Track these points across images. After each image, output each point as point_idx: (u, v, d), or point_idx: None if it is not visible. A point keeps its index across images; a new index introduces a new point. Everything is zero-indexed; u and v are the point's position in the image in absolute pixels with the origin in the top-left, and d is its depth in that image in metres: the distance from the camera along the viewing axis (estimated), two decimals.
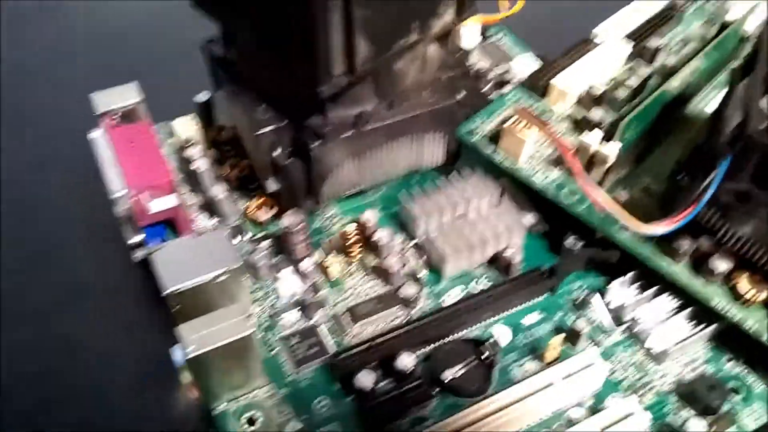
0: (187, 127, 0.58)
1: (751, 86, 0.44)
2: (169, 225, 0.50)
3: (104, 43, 0.75)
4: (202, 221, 0.53)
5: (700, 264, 0.46)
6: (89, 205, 0.59)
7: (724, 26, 0.60)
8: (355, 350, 0.43)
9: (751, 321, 0.44)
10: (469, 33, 0.63)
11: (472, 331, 0.46)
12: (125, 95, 0.53)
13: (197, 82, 0.58)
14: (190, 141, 0.57)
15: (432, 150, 0.54)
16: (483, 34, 0.66)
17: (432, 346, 0.45)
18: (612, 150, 0.48)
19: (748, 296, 0.44)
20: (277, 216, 0.52)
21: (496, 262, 0.50)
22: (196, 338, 0.39)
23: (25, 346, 0.53)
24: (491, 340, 0.44)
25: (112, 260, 0.57)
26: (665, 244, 0.46)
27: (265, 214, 0.52)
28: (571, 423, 0.42)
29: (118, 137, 0.51)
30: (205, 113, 0.58)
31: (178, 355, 0.40)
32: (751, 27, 0.61)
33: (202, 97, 0.58)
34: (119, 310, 0.55)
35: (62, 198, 0.62)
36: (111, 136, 0.51)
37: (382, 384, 0.43)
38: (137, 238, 0.50)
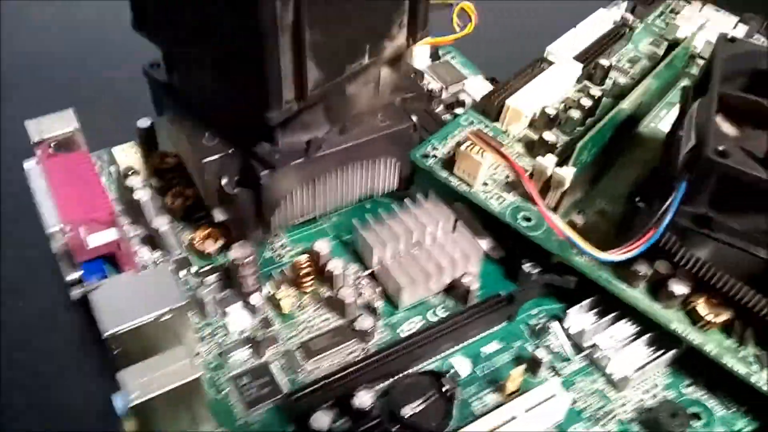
0: (128, 154, 0.56)
1: (705, 108, 0.44)
2: (110, 260, 0.48)
3: (40, 67, 0.72)
4: (145, 254, 0.50)
5: (658, 288, 0.45)
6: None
7: (673, 44, 0.60)
8: (309, 389, 0.41)
9: (710, 345, 0.43)
10: (419, 54, 0.62)
11: (431, 364, 0.45)
12: (61, 122, 0.51)
13: (138, 108, 0.56)
14: (132, 169, 0.54)
15: (385, 175, 0.53)
16: (433, 55, 0.65)
17: (390, 380, 0.43)
18: (567, 173, 0.47)
19: (706, 320, 0.43)
20: (225, 247, 0.50)
21: (453, 290, 0.48)
22: (138, 385, 0.37)
23: None
24: (450, 373, 0.43)
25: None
26: (623, 268, 0.45)
27: (212, 246, 0.50)
28: None
29: (53, 168, 0.49)
30: (148, 140, 0.56)
31: (119, 402, 0.38)
32: (700, 44, 0.61)
33: (144, 123, 0.56)
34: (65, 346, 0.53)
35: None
36: (45, 167, 0.49)
37: (338, 423, 0.41)
38: (75, 275, 0.47)
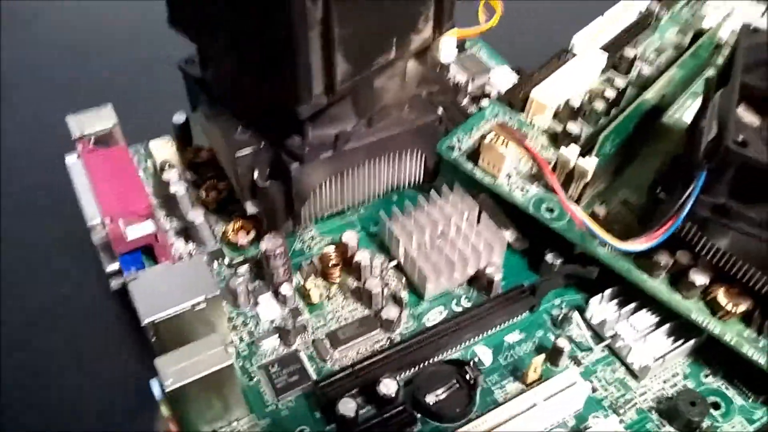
0: (164, 149, 0.57)
1: (726, 97, 0.44)
2: (147, 251, 0.50)
3: (79, 62, 0.74)
4: (180, 246, 0.52)
5: (678, 278, 0.46)
6: (66, 224, 0.58)
7: (699, 34, 0.60)
8: (336, 377, 0.43)
9: (730, 334, 0.44)
10: (446, 47, 0.63)
11: (454, 353, 0.46)
12: (100, 118, 0.53)
13: (174, 103, 0.58)
14: (168, 163, 0.56)
15: (412, 168, 0.54)
16: (459, 47, 0.65)
17: (414, 369, 0.45)
18: (590, 164, 0.48)
19: (726, 309, 0.44)
20: (257, 239, 0.51)
21: (477, 280, 0.50)
22: (174, 371, 0.39)
23: None
24: (473, 362, 0.44)
25: (88, 284, 0.56)
26: (644, 258, 0.46)
27: (244, 238, 0.52)
28: None
29: (93, 162, 0.51)
30: (183, 134, 0.58)
31: (156, 388, 0.40)
32: (725, 34, 0.61)
33: (179, 118, 0.57)
34: (96, 335, 0.54)
35: (39, 217, 0.62)
36: (86, 161, 0.51)
37: (364, 411, 0.43)
38: (114, 266, 0.49)
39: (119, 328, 0.53)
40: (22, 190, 0.63)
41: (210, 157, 0.57)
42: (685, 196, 0.42)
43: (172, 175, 0.53)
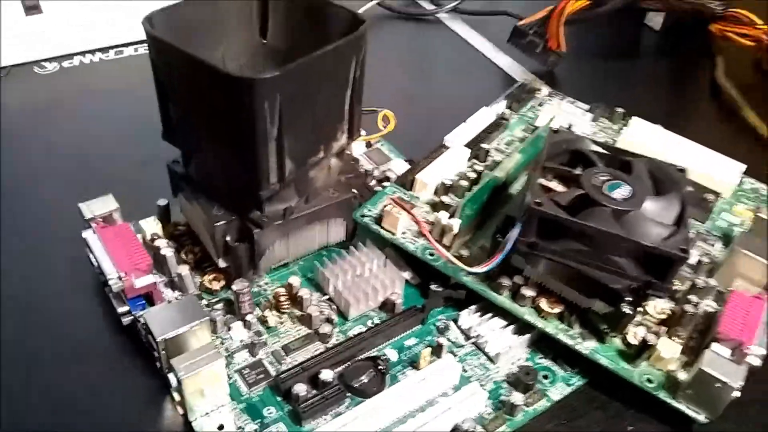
0: (150, 225, 0.76)
1: (533, 171, 0.68)
2: (146, 298, 0.69)
3: (80, 159, 0.89)
4: (168, 293, 0.71)
5: (516, 293, 0.67)
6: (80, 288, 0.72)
7: (535, 129, 0.85)
8: (290, 372, 0.63)
9: (551, 328, 0.66)
10: (357, 146, 0.86)
11: (371, 353, 0.67)
12: (104, 204, 0.72)
13: (155, 192, 0.76)
14: (156, 234, 0.76)
15: (337, 230, 0.75)
16: (368, 145, 0.89)
17: (344, 365, 0.65)
18: (455, 223, 0.70)
19: (547, 311, 0.66)
20: (227, 286, 0.71)
21: (385, 305, 0.70)
22: (185, 366, 0.58)
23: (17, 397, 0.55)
24: (383, 358, 0.65)
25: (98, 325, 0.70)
26: (493, 282, 0.68)
27: (217, 285, 0.71)
28: (436, 404, 0.62)
29: (106, 235, 0.70)
30: (164, 214, 0.77)
31: (173, 379, 0.58)
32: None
33: (162, 201, 0.77)
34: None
35: (56, 287, 0.74)
36: (101, 234, 0.70)
37: (311, 393, 0.62)
38: (124, 308, 0.68)
39: (129, 355, 0.69)
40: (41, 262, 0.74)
41: (187, 230, 0.76)
42: (507, 237, 0.65)
43: (161, 243, 0.73)
